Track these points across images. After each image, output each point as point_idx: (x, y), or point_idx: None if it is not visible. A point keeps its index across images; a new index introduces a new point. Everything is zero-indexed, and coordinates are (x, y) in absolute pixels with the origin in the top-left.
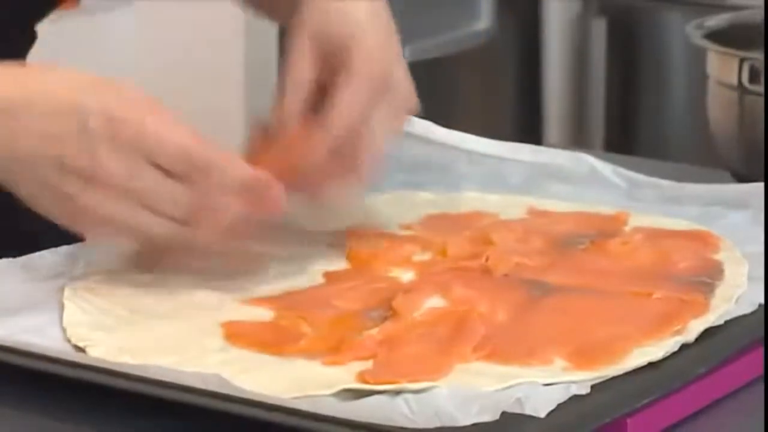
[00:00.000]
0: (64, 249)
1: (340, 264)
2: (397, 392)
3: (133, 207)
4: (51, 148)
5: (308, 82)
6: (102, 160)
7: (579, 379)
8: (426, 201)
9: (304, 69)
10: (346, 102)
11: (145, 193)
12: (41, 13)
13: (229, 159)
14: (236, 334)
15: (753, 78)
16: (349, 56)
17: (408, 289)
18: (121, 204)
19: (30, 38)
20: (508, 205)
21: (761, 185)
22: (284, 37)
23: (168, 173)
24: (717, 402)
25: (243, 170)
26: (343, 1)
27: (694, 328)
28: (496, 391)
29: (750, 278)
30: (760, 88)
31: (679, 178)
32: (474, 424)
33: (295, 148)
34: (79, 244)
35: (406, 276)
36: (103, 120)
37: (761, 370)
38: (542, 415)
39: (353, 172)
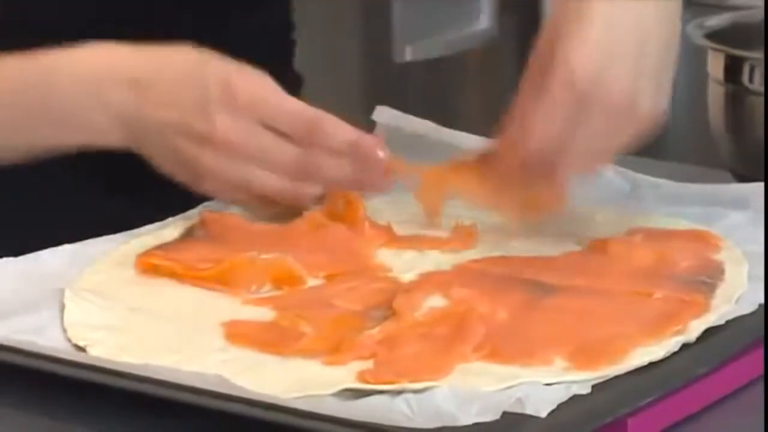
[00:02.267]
0: (64, 249)
1: None
2: (398, 392)
3: (248, 166)
4: (174, 114)
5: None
6: (220, 123)
7: (580, 379)
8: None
9: None
10: (540, 116)
11: (260, 153)
12: None
13: (338, 122)
14: (236, 333)
15: (753, 78)
16: (552, 61)
17: (408, 289)
18: (237, 164)
19: None
20: None
21: (761, 185)
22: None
23: (281, 134)
24: (717, 402)
25: (350, 132)
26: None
27: (694, 328)
28: (497, 390)
29: (750, 278)
30: (761, 88)
31: (680, 178)
32: (475, 424)
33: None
34: (79, 244)
35: (407, 276)
36: (221, 87)
37: (761, 370)
38: (543, 414)
39: (548, 190)
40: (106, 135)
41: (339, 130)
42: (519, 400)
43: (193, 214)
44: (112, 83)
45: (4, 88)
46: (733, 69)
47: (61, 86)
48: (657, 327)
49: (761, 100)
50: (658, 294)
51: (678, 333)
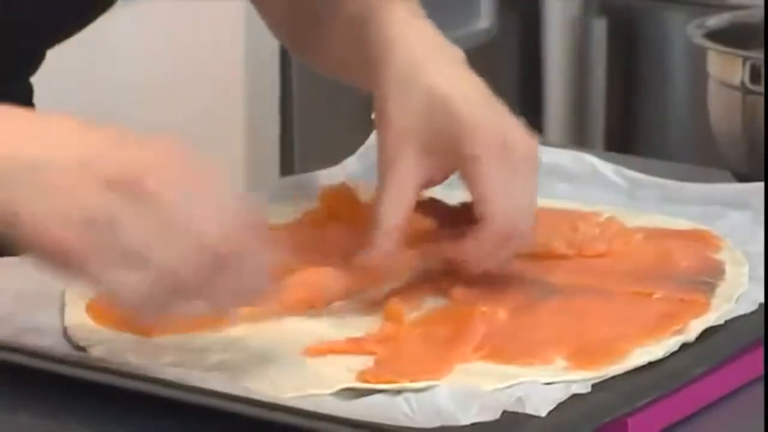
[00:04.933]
0: None
1: None
2: (398, 391)
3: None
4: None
5: (411, 200)
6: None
7: (580, 379)
8: None
9: (408, 182)
10: (510, 192)
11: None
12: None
13: (261, 247)
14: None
15: (754, 77)
16: (474, 185)
17: (408, 289)
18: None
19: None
20: None
21: (761, 185)
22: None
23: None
24: (717, 402)
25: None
26: (435, 84)
27: (694, 328)
28: (497, 390)
29: (750, 278)
30: (761, 88)
31: (680, 178)
32: (475, 424)
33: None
34: None
35: (406, 275)
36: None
37: (761, 370)
38: (543, 414)
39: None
40: None
41: (261, 257)
42: (519, 400)
43: None
44: None
45: None
46: (733, 68)
47: None
48: (657, 327)
49: (761, 100)
50: (658, 294)
51: (678, 333)
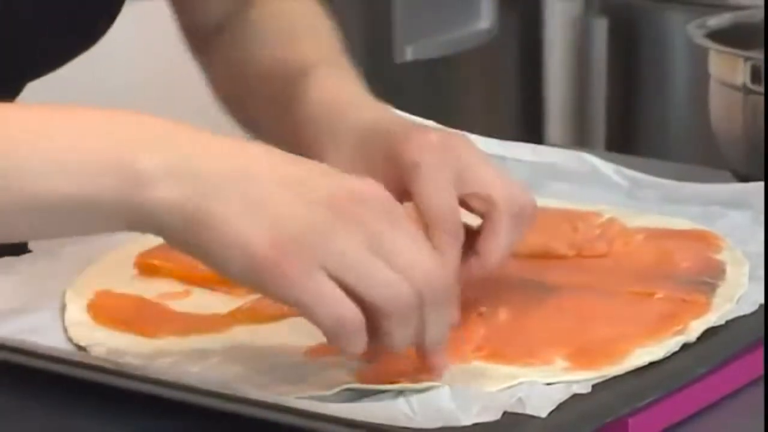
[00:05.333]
0: (65, 249)
1: None
2: (399, 392)
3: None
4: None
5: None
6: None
7: (580, 379)
8: None
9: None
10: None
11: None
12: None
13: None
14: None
15: (755, 77)
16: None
17: None
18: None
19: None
20: None
21: (761, 185)
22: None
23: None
24: (718, 402)
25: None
26: (361, 117)
27: (695, 328)
28: (498, 390)
29: (751, 278)
30: (762, 88)
31: (681, 178)
32: (475, 424)
33: None
34: (79, 244)
35: None
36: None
37: (761, 370)
38: (543, 414)
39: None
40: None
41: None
42: (519, 400)
43: None
44: None
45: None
46: (734, 69)
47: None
48: (657, 327)
49: (761, 100)
50: (658, 294)
51: (678, 333)
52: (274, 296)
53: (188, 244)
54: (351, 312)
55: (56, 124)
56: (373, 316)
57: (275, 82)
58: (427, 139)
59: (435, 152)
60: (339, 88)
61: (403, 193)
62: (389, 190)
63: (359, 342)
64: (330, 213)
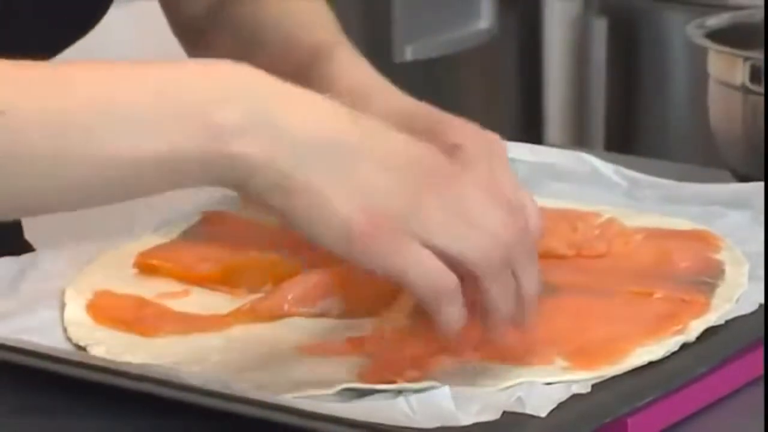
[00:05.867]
0: (64, 249)
1: None
2: (398, 392)
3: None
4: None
5: None
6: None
7: (580, 379)
8: None
9: None
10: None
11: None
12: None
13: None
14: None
15: (754, 77)
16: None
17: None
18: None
19: None
20: None
21: (761, 185)
22: None
23: None
24: (717, 402)
25: None
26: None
27: (694, 328)
28: (497, 390)
29: (750, 278)
30: (761, 88)
31: (680, 178)
32: (475, 424)
33: None
34: (79, 244)
35: None
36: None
37: (761, 370)
38: (543, 414)
39: None
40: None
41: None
42: (519, 400)
43: (192, 214)
44: None
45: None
46: (734, 69)
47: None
48: (657, 327)
49: (761, 100)
50: (658, 294)
51: (678, 333)
52: (369, 266)
53: (272, 203)
54: (449, 277)
55: (129, 81)
56: (466, 280)
57: (288, 66)
58: (468, 126)
59: (476, 139)
60: (363, 73)
61: None
62: None
63: (457, 307)
64: (414, 180)
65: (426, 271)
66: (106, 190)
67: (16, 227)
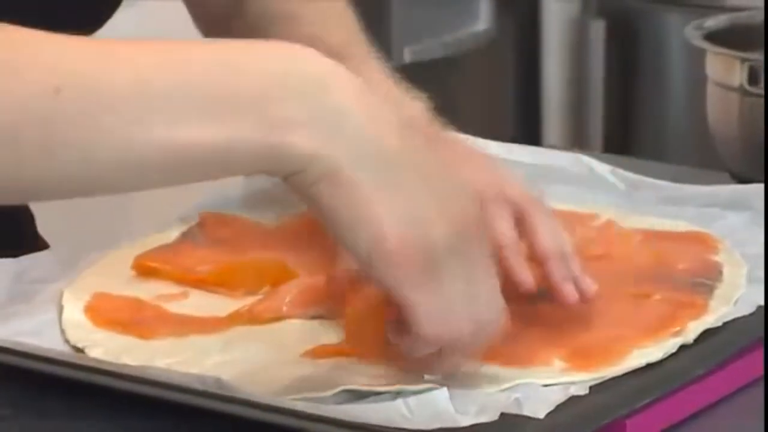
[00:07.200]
0: (63, 250)
1: None
2: (397, 393)
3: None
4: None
5: None
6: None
7: (578, 380)
8: None
9: None
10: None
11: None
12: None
13: None
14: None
15: (752, 79)
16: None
17: None
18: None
19: None
20: None
21: (761, 186)
22: None
23: None
24: (717, 403)
25: None
26: None
27: (692, 330)
28: (495, 392)
29: (749, 280)
30: (760, 90)
31: (679, 180)
32: (473, 425)
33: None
34: (78, 246)
35: None
36: None
37: (760, 372)
38: (541, 416)
39: None
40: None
41: None
42: (517, 401)
43: (191, 216)
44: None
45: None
46: (732, 70)
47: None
48: (655, 328)
49: (760, 101)
50: (656, 295)
51: (676, 334)
52: (382, 284)
53: (316, 197)
54: (456, 330)
55: (183, 63)
56: None
57: None
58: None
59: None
60: (382, 79)
61: None
62: None
63: (455, 357)
64: (454, 238)
65: (435, 317)
66: (164, 175)
67: (29, 219)
